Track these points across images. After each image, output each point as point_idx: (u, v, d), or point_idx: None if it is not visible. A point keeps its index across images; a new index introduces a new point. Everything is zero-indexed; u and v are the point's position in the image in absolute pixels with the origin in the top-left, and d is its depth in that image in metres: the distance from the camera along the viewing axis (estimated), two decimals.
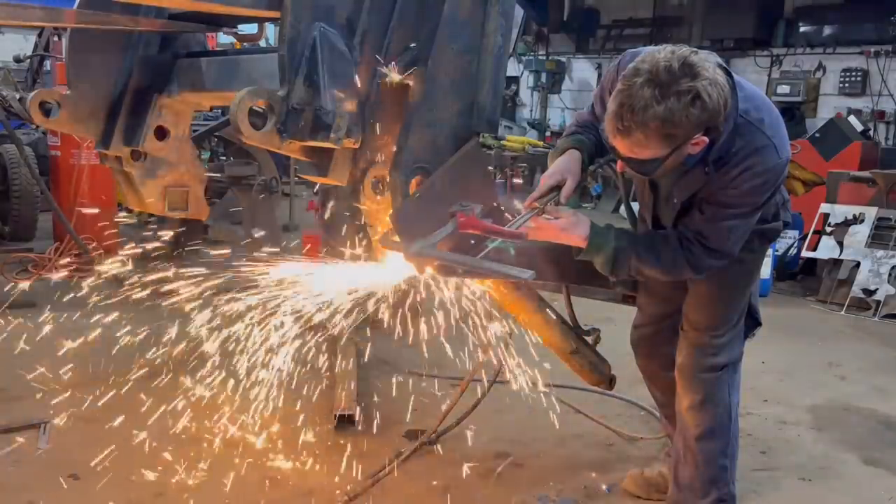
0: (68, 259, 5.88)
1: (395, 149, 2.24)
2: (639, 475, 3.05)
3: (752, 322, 2.75)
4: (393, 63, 2.21)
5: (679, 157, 2.14)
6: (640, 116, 2.01)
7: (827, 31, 9.68)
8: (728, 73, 2.14)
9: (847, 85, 9.25)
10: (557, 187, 2.41)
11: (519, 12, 12.07)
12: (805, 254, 6.55)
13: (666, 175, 2.28)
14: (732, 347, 2.64)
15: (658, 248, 2.36)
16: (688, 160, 2.19)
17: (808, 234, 6.56)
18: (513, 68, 12.52)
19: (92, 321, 5.03)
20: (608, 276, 2.44)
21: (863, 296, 5.98)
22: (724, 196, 2.27)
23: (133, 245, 3.67)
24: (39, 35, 7.44)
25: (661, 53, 2.04)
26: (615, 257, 2.35)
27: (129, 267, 3.46)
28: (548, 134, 12.22)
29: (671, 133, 2.03)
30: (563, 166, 2.45)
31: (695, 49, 2.08)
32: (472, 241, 2.28)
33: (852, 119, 8.42)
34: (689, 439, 2.69)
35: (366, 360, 4.20)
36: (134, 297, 5.38)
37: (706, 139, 2.11)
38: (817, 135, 7.84)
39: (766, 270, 6.17)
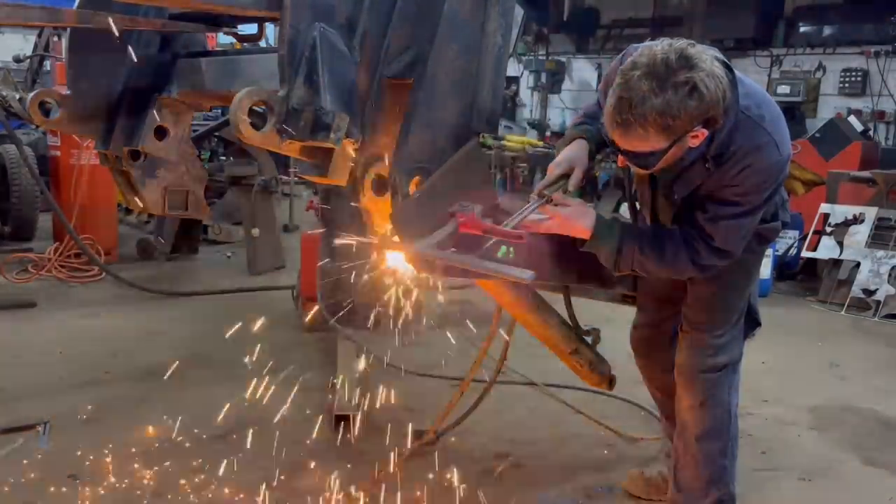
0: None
1: (394, 149, 2.24)
2: (638, 476, 3.05)
3: (752, 322, 2.75)
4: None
5: (679, 150, 2.13)
6: (638, 109, 2.01)
7: (827, 31, 9.67)
8: (728, 68, 2.13)
9: (847, 85, 9.25)
10: (565, 176, 2.41)
11: (519, 12, 12.07)
12: (805, 254, 6.55)
13: (666, 170, 2.27)
14: (732, 348, 2.64)
15: (662, 245, 2.35)
16: (688, 154, 2.18)
17: (808, 234, 6.56)
18: (513, 68, 12.52)
19: (92, 321, 5.04)
20: (611, 270, 2.44)
21: (863, 296, 5.98)
22: (725, 194, 2.27)
23: None
24: (39, 35, 7.44)
25: (658, 47, 2.05)
26: (619, 250, 2.34)
27: None
28: (548, 134, 12.22)
29: (670, 125, 2.03)
30: (571, 155, 2.44)
31: (692, 42, 2.08)
32: (472, 242, 2.28)
33: (852, 119, 8.42)
34: (688, 439, 2.68)
35: (366, 360, 4.20)
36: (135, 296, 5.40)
37: (706, 132, 2.11)
38: (817, 135, 7.84)
39: (766, 270, 6.16)
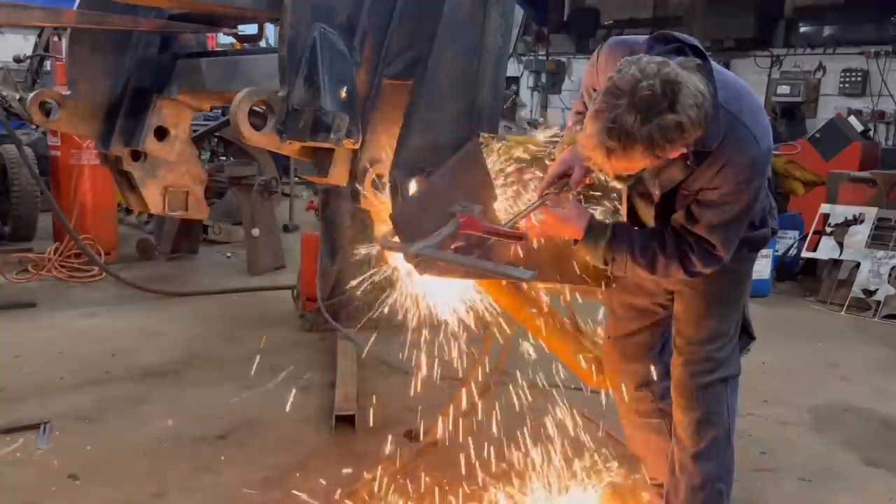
0: None
1: (395, 149, 2.24)
2: (610, 490, 2.97)
3: (747, 337, 2.68)
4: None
5: (662, 162, 2.11)
6: (623, 141, 1.98)
7: (827, 31, 9.66)
8: (701, 64, 2.08)
9: (847, 85, 9.24)
10: (565, 176, 2.41)
11: (519, 13, 12.07)
12: (805, 254, 6.55)
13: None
14: (730, 362, 2.57)
15: (654, 250, 2.33)
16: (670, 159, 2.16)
17: (808, 234, 6.56)
18: (513, 68, 12.52)
19: (92, 321, 5.05)
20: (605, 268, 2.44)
21: (863, 296, 5.98)
22: (710, 196, 2.24)
23: None
24: (39, 35, 7.44)
25: (640, 73, 1.98)
26: (609, 250, 2.34)
27: None
28: None
29: (655, 154, 2.02)
30: (570, 155, 2.42)
31: (667, 61, 2.01)
32: (473, 241, 2.28)
33: (852, 119, 8.40)
34: (685, 459, 2.60)
35: (365, 360, 4.20)
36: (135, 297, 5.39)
37: (687, 145, 2.08)
38: (817, 135, 7.83)
39: (766, 270, 6.17)
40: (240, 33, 3.14)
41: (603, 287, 2.76)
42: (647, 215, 2.48)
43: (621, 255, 2.34)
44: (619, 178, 2.19)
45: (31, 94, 2.79)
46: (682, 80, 1.98)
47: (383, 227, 2.36)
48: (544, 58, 12.58)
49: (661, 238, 2.36)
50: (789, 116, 8.68)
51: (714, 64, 2.17)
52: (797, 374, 4.51)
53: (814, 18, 9.77)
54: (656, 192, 2.36)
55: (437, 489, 3.00)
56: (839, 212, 6.40)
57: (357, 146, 2.20)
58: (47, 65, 7.32)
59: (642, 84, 1.96)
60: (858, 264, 6.12)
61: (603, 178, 2.49)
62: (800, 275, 6.76)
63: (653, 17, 11.33)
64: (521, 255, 2.39)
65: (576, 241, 2.38)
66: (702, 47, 2.14)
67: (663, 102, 1.96)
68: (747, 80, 2.37)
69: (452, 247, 2.22)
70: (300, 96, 2.03)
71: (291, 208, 8.20)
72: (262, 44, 3.30)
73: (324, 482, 3.04)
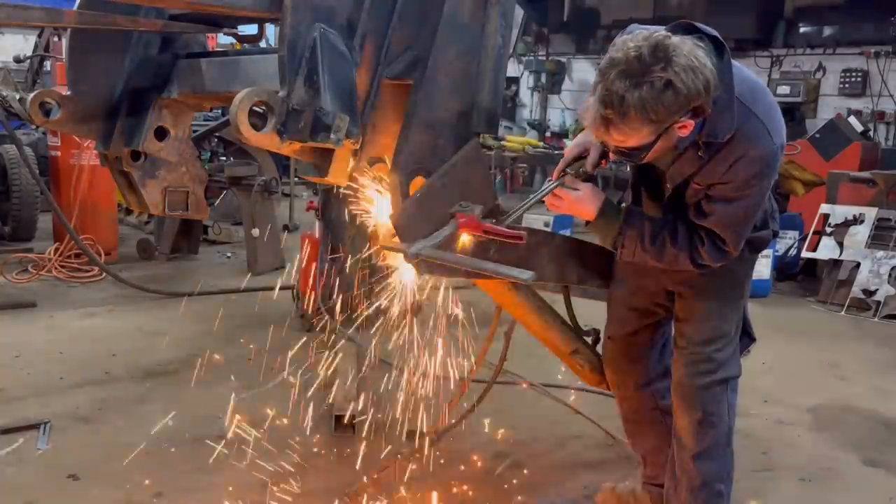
0: None
1: (395, 150, 2.24)
2: (610, 491, 2.97)
3: (747, 338, 2.69)
4: None
5: (668, 141, 2.10)
6: (617, 108, 1.98)
7: (827, 31, 9.68)
8: (718, 50, 2.08)
9: (847, 85, 9.25)
10: (581, 158, 2.42)
11: (519, 13, 12.08)
12: (805, 254, 6.55)
13: (658, 159, 2.24)
14: (731, 363, 2.56)
15: (664, 239, 2.33)
16: (680, 143, 2.15)
17: (808, 234, 6.56)
18: (513, 69, 12.53)
19: (92, 321, 5.05)
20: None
21: (863, 296, 5.98)
22: (722, 191, 2.24)
23: None
24: (39, 35, 7.46)
25: (632, 42, 2.00)
26: (620, 234, 2.35)
27: None
28: (548, 134, 12.22)
29: (652, 119, 2.00)
30: (586, 137, 2.43)
31: (668, 34, 2.02)
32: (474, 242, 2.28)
33: (852, 119, 8.41)
34: (685, 460, 2.59)
35: (366, 359, 4.20)
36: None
37: (693, 122, 2.06)
38: (817, 135, 7.84)
39: (766, 271, 6.17)
40: (240, 33, 3.14)
41: (603, 286, 2.76)
42: (654, 212, 2.48)
43: (631, 240, 2.35)
44: (620, 153, 2.17)
45: (31, 94, 2.79)
46: (672, 43, 1.98)
47: (383, 227, 2.36)
48: (544, 58, 12.58)
49: (673, 228, 2.36)
50: (789, 116, 8.68)
51: (733, 61, 2.16)
52: (797, 374, 4.52)
53: (814, 18, 9.78)
54: (667, 186, 2.36)
55: (438, 489, 3.00)
56: (839, 212, 6.40)
57: (357, 146, 2.20)
58: (47, 65, 7.33)
59: (631, 49, 1.98)
60: (858, 264, 6.12)
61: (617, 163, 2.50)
62: (800, 275, 6.76)
63: (653, 17, 11.34)
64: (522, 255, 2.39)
65: (588, 223, 2.41)
66: (722, 39, 2.12)
67: (654, 65, 1.96)
68: None
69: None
70: (300, 96, 2.03)
71: (291, 208, 8.20)
72: (262, 44, 3.29)
73: (324, 482, 3.04)
